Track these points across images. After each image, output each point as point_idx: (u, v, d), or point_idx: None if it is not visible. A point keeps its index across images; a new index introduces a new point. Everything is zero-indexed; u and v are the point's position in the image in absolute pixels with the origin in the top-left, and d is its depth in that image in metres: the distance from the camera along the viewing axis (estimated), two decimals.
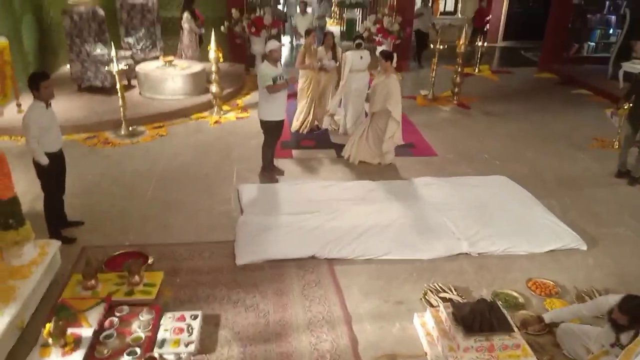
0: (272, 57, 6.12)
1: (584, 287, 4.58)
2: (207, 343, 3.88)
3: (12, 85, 4.20)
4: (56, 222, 5.11)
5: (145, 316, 3.92)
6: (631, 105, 6.65)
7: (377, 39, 11.49)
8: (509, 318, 3.81)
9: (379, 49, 11.56)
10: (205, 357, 3.76)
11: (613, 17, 12.98)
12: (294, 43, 13.93)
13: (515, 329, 3.74)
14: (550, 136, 8.39)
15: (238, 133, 8.00)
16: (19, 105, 4.10)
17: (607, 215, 5.90)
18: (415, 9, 12.68)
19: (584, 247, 5.17)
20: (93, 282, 4.26)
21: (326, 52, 7.88)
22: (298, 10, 12.14)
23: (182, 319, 3.94)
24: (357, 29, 14.18)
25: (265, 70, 6.06)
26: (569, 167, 7.13)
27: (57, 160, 4.99)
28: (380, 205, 5.84)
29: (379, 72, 6.89)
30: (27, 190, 5.67)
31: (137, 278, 4.32)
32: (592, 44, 13.19)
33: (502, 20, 16.01)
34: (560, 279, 4.71)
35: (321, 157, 7.25)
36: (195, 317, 3.95)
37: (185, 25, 9.72)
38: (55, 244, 4.61)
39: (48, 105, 4.75)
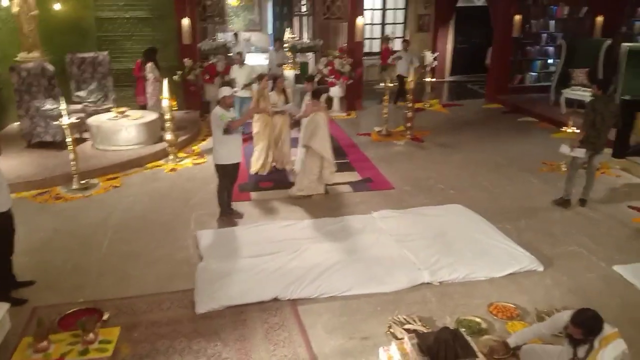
0: (225, 103, 6.21)
1: (543, 307, 4.66)
2: None
3: None
4: (5, 284, 4.88)
5: None
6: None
7: (329, 80, 11.78)
8: (472, 344, 3.81)
9: (332, 89, 11.88)
10: None
11: (551, 48, 13.76)
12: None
13: (480, 355, 3.75)
14: (501, 162, 8.68)
15: (195, 179, 7.94)
16: None
17: (561, 235, 6.08)
18: (395, 54, 12.85)
19: (541, 268, 5.29)
20: (45, 343, 4.03)
21: (278, 96, 8.02)
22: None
23: None
24: (309, 71, 14.50)
25: (220, 112, 6.12)
26: (521, 191, 7.35)
27: (6, 220, 4.82)
28: (341, 241, 5.85)
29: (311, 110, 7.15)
30: None
31: (91, 336, 4.12)
32: (534, 74, 13.88)
33: (448, 57, 16.69)
34: (520, 301, 4.78)
35: (280, 198, 7.24)
36: None
37: (150, 75, 9.73)
38: (3, 307, 4.39)
39: None
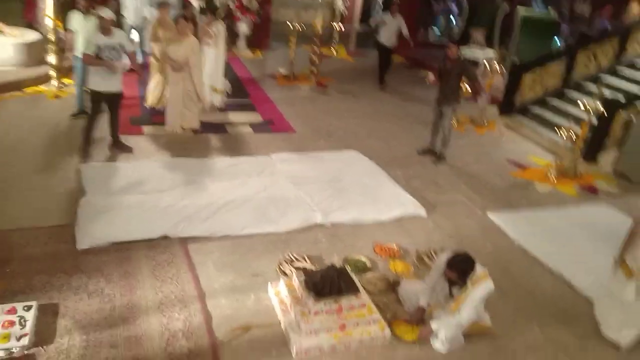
0: (101, 25, 5.73)
1: (423, 249, 4.99)
2: (44, 334, 3.54)
3: None
4: None
5: None
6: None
7: (236, 15, 11.29)
8: (356, 281, 4.03)
9: (239, 25, 11.43)
10: (42, 349, 3.43)
11: (454, 6, 14.20)
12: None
13: (362, 290, 3.97)
14: (399, 114, 8.98)
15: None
16: None
17: (445, 184, 6.49)
18: (374, 17, 11.12)
19: (424, 214, 5.64)
20: None
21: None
22: None
23: (13, 311, 3.55)
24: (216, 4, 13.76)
25: (92, 37, 5.70)
26: (415, 143, 7.67)
27: None
28: (238, 180, 5.78)
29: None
30: None
31: None
32: (437, 29, 14.31)
33: (358, 5, 16.60)
34: (403, 242, 5.08)
35: (175, 134, 6.95)
36: (29, 308, 3.58)
37: None
38: None
39: None
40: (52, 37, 7.60)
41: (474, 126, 8.76)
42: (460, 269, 3.70)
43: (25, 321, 3.48)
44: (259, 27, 11.75)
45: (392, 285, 4.32)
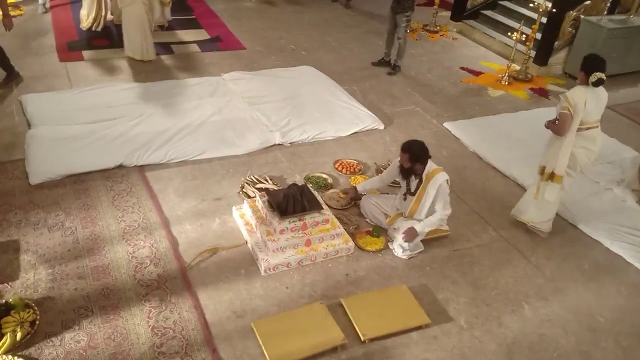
0: None
1: (382, 162, 5.09)
2: (7, 271, 3.52)
3: None
4: None
5: None
6: None
7: None
8: (318, 198, 4.11)
9: None
10: (8, 285, 3.41)
11: None
12: None
13: (325, 206, 4.06)
14: (350, 23, 8.72)
15: (12, 34, 6.73)
16: None
17: (400, 96, 6.51)
18: None
19: (382, 127, 5.69)
20: None
21: None
22: None
23: None
24: None
25: None
26: (368, 54, 7.55)
27: None
28: (191, 104, 5.61)
29: None
30: None
31: None
32: None
33: None
34: (362, 157, 5.16)
35: (119, 58, 6.57)
36: None
37: None
38: None
39: None
40: None
41: (426, 33, 8.66)
42: (411, 148, 3.83)
43: None
44: None
45: (354, 200, 4.43)
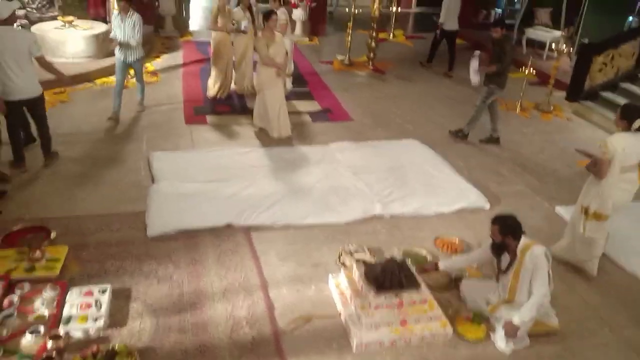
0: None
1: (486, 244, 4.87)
2: (117, 317, 3.75)
3: None
4: None
5: (48, 293, 3.69)
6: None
7: (293, 1, 11.28)
8: (417, 275, 4.00)
9: (295, 11, 11.43)
10: (116, 331, 3.63)
11: None
12: None
13: (423, 285, 3.94)
14: (458, 99, 8.73)
15: (147, 98, 7.58)
16: None
17: (509, 174, 6.29)
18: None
19: (487, 206, 5.50)
20: None
21: (244, 13, 7.61)
22: None
23: (90, 293, 3.77)
24: None
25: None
26: (475, 129, 7.46)
27: None
28: (298, 170, 5.84)
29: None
30: None
31: (38, 253, 4.05)
32: (499, 10, 13.76)
33: None
34: (465, 236, 4.99)
35: (238, 124, 7.09)
36: (104, 291, 3.80)
37: None
38: None
39: None
40: None
41: (539, 112, 8.41)
42: (502, 221, 3.65)
43: (100, 304, 3.69)
44: (315, 12, 11.71)
45: (454, 281, 4.26)
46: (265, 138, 6.74)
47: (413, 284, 3.85)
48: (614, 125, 4.69)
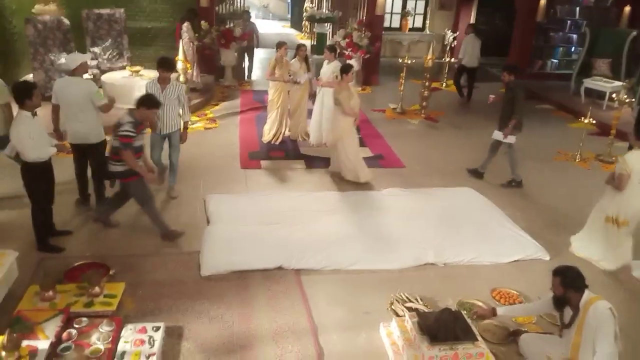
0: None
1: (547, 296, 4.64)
2: (169, 355, 3.79)
3: None
4: (45, 232, 4.97)
5: (105, 328, 3.79)
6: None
7: (347, 53, 11.61)
8: (473, 327, 3.84)
9: (349, 62, 11.72)
10: None
11: (574, 36, 13.45)
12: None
13: (479, 338, 3.77)
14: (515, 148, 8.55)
15: (206, 143, 7.92)
16: None
17: (570, 225, 6.02)
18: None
19: (547, 257, 5.28)
20: (51, 293, 4.12)
21: (300, 64, 7.92)
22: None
23: (144, 330, 3.83)
24: (327, 43, 14.28)
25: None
26: (533, 179, 7.28)
27: (47, 169, 4.84)
28: (349, 215, 5.84)
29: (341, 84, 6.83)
30: None
31: (97, 289, 4.20)
32: (555, 60, 13.61)
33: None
34: (524, 288, 4.78)
35: (291, 169, 7.23)
36: (157, 329, 3.86)
37: (184, 34, 9.71)
38: (12, 255, 4.45)
39: (34, 114, 4.62)
40: (182, 78, 8.35)
41: (600, 163, 8.12)
42: (564, 273, 3.47)
43: (153, 341, 3.74)
44: (368, 62, 11.97)
45: (512, 335, 4.06)
46: (317, 183, 6.81)
47: (469, 336, 3.70)
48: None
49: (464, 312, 4.01)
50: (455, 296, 4.62)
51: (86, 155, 5.59)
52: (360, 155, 7.00)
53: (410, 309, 4.26)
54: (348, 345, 4.00)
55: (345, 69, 6.78)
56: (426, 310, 4.22)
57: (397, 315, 4.24)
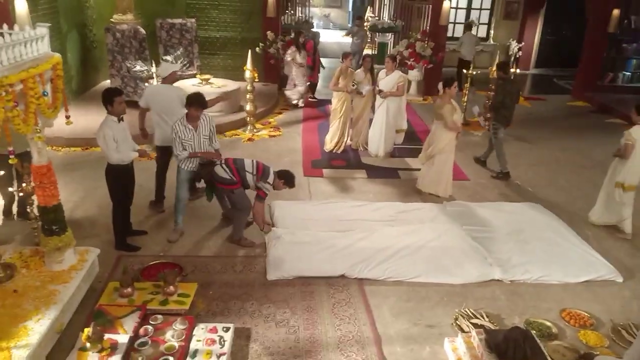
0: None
1: (620, 319, 4.47)
2: (238, 356, 3.92)
3: (62, 98, 4.43)
4: (123, 231, 5.29)
5: (179, 326, 3.97)
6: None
7: (409, 63, 11.59)
8: (543, 348, 3.75)
9: (410, 72, 11.70)
10: None
11: None
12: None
13: (549, 359, 3.68)
14: (583, 163, 8.28)
15: (270, 150, 8.12)
16: (68, 117, 4.31)
17: None
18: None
19: (620, 279, 5.07)
20: (129, 290, 4.36)
21: (365, 75, 7.99)
22: None
23: (215, 330, 3.98)
24: (388, 52, 14.29)
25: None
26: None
27: (129, 171, 5.16)
28: (412, 227, 5.82)
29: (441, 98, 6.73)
30: (67, 200, 5.85)
31: (172, 288, 4.41)
32: (628, 73, 13.02)
33: (534, 48, 15.96)
34: (595, 310, 4.61)
35: (352, 178, 7.30)
36: (227, 330, 4.00)
37: (288, 58, 10.31)
38: (94, 252, 4.74)
39: (120, 119, 4.94)
40: (249, 87, 8.60)
41: None
42: None
43: (224, 341, 3.88)
44: (430, 72, 11.89)
45: (582, 358, 3.93)
46: (380, 193, 6.83)
47: (539, 357, 3.62)
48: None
49: (533, 332, 3.93)
50: (522, 315, 4.52)
51: (170, 156, 5.87)
52: (451, 171, 6.88)
53: (476, 325, 4.21)
54: (412, 357, 4.00)
55: (447, 82, 6.59)
56: (493, 328, 4.16)
57: (463, 331, 4.20)
